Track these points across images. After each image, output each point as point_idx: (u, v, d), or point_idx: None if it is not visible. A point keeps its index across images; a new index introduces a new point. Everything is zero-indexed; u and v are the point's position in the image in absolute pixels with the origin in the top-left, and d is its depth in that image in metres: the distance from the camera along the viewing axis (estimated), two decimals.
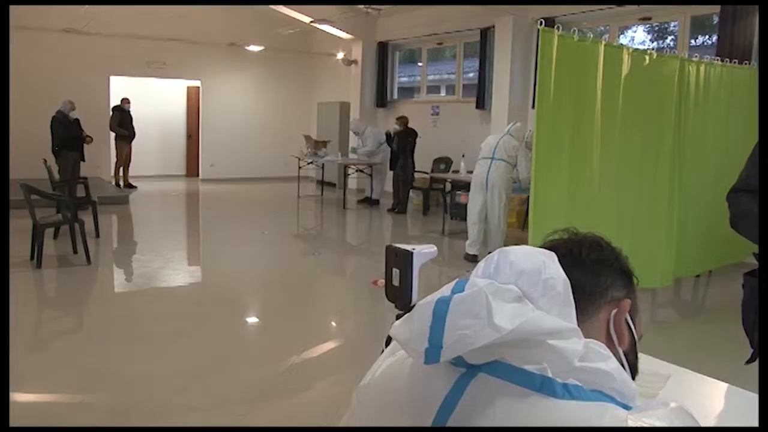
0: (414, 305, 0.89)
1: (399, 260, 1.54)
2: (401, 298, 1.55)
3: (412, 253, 1.51)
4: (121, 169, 12.70)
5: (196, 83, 14.53)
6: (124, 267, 7.08)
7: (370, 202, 11.62)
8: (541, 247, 1.03)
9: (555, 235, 1.07)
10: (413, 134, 10.71)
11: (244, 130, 14.83)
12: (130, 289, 6.25)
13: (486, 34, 10.40)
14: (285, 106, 15.19)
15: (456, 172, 9.71)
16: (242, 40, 13.80)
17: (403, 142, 10.60)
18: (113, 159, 12.94)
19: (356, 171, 11.71)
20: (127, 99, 12.54)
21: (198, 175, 14.83)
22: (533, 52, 8.82)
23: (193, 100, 14.90)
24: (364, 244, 9.23)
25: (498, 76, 9.96)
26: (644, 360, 1.63)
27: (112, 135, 12.59)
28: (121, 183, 12.67)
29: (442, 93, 12.81)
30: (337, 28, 12.58)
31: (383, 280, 1.57)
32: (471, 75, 11.57)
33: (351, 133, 12.31)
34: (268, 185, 14.22)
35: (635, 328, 1.01)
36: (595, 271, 0.99)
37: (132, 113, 12.63)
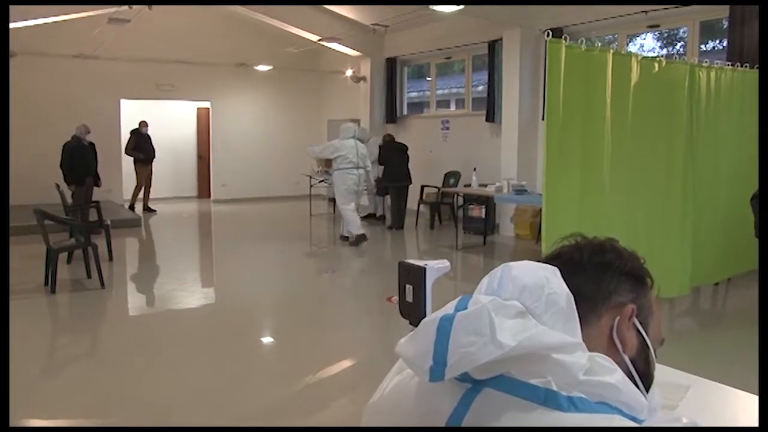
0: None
1: (412, 276, 1.54)
2: (415, 315, 1.55)
3: (424, 268, 1.51)
4: (141, 192, 12.62)
5: (206, 104, 14.64)
6: (139, 290, 7.11)
7: (375, 218, 11.63)
8: (547, 255, 1.04)
9: (563, 241, 1.06)
10: (395, 147, 10.72)
11: (255, 150, 14.90)
12: (145, 311, 6.28)
13: (494, 46, 10.42)
14: (295, 125, 15.26)
15: (468, 185, 9.70)
16: (250, 60, 13.91)
17: (386, 154, 10.63)
18: (125, 182, 13.05)
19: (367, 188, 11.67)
20: (145, 122, 12.55)
21: (210, 196, 14.89)
22: (542, 64, 8.82)
23: (203, 121, 15.00)
24: (378, 260, 9.21)
25: (507, 89, 9.96)
26: (663, 371, 1.61)
27: (130, 158, 12.62)
28: (139, 207, 12.62)
29: (452, 107, 12.82)
30: (345, 46, 12.67)
31: (398, 297, 1.57)
32: (480, 88, 11.59)
33: None
34: (280, 204, 14.26)
35: (648, 332, 0.99)
36: (596, 276, 0.98)
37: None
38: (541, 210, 5.07)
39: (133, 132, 12.46)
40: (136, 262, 8.66)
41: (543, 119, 7.07)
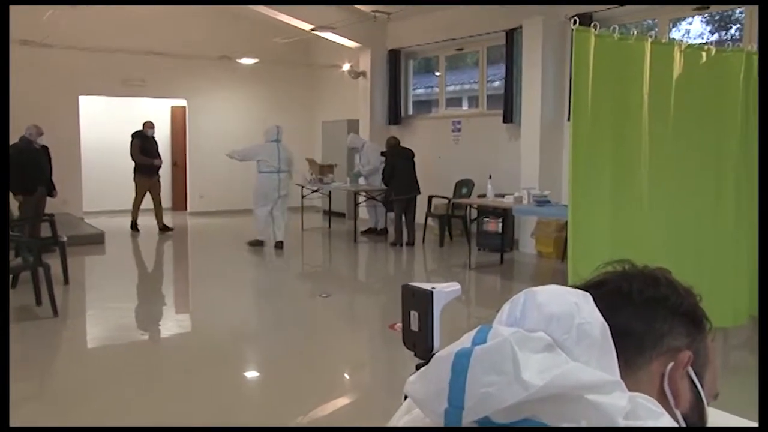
0: (434, 353, 0.87)
1: (417, 301, 1.52)
2: (421, 345, 1.52)
3: (431, 292, 1.49)
4: (139, 207, 12.18)
5: (182, 102, 14.69)
6: (99, 318, 7.01)
7: (376, 233, 11.62)
8: (587, 282, 1.03)
9: (608, 267, 1.05)
10: (400, 152, 10.73)
11: None
12: (106, 343, 6.19)
13: (512, 36, 10.44)
14: (284, 127, 15.20)
15: (482, 196, 9.69)
16: (233, 52, 13.93)
17: (391, 161, 10.65)
18: (84, 191, 12.99)
19: (368, 199, 11.66)
20: (151, 122, 12.27)
21: (186, 208, 14.91)
22: (568, 55, 8.82)
23: (178, 122, 15.03)
24: (379, 282, 9.18)
25: (527, 85, 9.98)
26: (716, 416, 1.56)
27: (128, 168, 12.26)
28: (144, 224, 12.16)
29: (464, 106, 12.84)
30: (342, 36, 12.69)
31: (401, 324, 1.55)
32: (496, 84, 11.61)
33: (356, 154, 12.28)
34: None
35: (703, 385, 0.98)
36: (647, 313, 0.97)
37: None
38: (566, 224, 5.05)
39: (137, 135, 12.06)
40: (98, 285, 8.56)
41: (569, 120, 7.06)
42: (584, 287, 0.98)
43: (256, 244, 10.45)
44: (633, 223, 4.88)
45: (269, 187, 10.31)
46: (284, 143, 10.64)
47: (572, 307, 0.87)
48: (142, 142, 11.99)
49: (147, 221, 12.37)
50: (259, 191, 10.44)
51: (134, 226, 12.19)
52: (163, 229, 12.13)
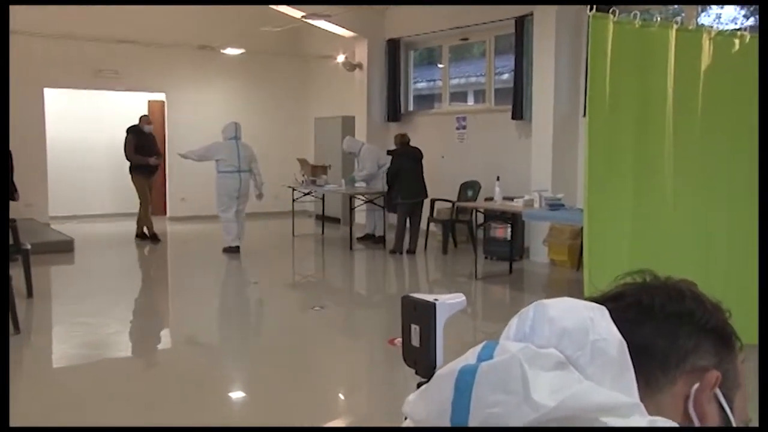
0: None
1: (418, 314, 1.51)
2: (422, 362, 1.52)
3: (434, 304, 1.48)
4: (149, 211, 12.03)
5: (160, 97, 14.69)
6: (66, 334, 6.96)
7: (374, 240, 11.61)
8: (604, 295, 1.02)
9: (628, 278, 1.04)
10: (407, 152, 10.69)
11: None
12: (75, 362, 6.16)
13: (522, 24, 10.45)
14: (273, 124, 15.27)
15: (490, 199, 9.69)
16: (217, 41, 13.93)
17: (397, 162, 10.63)
18: (51, 194, 12.90)
19: (365, 202, 11.64)
20: (147, 117, 12.14)
21: (165, 213, 14.87)
22: (584, 45, 8.82)
23: (156, 117, 14.92)
24: (378, 293, 9.18)
25: (539, 78, 9.98)
26: None
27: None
28: (146, 231, 11.96)
29: (470, 101, 12.86)
30: (336, 24, 12.68)
31: (401, 339, 1.55)
32: (505, 77, 11.62)
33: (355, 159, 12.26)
34: (255, 223, 14.17)
35: (732, 409, 0.96)
36: (671, 329, 0.96)
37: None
38: (582, 230, 5.04)
39: (132, 130, 11.88)
40: (65, 298, 8.53)
41: (584, 115, 7.07)
42: (601, 300, 0.97)
43: (232, 251, 10.54)
44: (655, 229, 4.87)
45: (231, 188, 10.56)
46: (244, 141, 10.80)
47: (586, 322, 0.86)
48: (137, 139, 11.77)
49: (127, 226, 12.35)
50: (221, 193, 10.64)
51: (153, 237, 11.91)
52: (141, 236, 11.96)
